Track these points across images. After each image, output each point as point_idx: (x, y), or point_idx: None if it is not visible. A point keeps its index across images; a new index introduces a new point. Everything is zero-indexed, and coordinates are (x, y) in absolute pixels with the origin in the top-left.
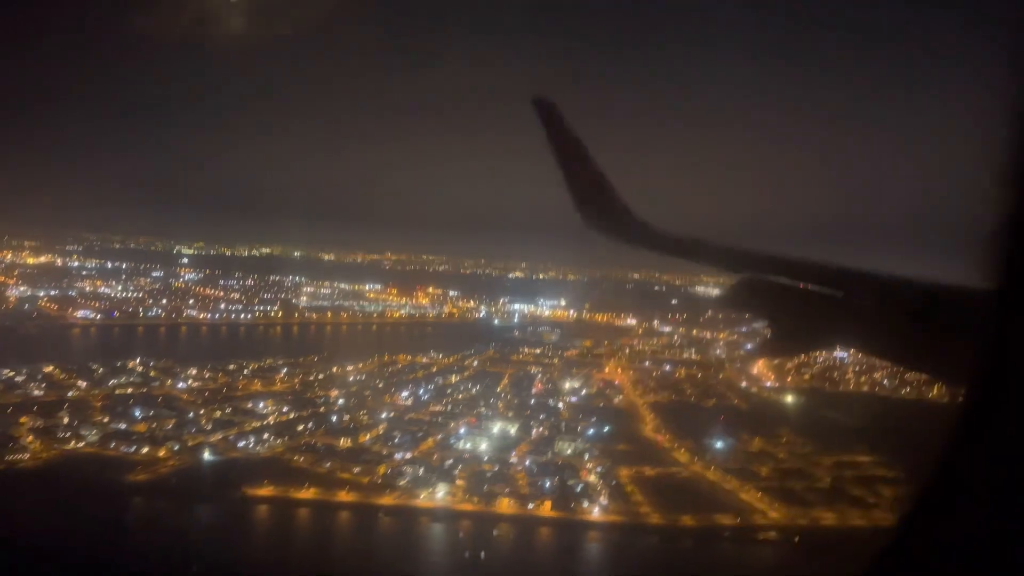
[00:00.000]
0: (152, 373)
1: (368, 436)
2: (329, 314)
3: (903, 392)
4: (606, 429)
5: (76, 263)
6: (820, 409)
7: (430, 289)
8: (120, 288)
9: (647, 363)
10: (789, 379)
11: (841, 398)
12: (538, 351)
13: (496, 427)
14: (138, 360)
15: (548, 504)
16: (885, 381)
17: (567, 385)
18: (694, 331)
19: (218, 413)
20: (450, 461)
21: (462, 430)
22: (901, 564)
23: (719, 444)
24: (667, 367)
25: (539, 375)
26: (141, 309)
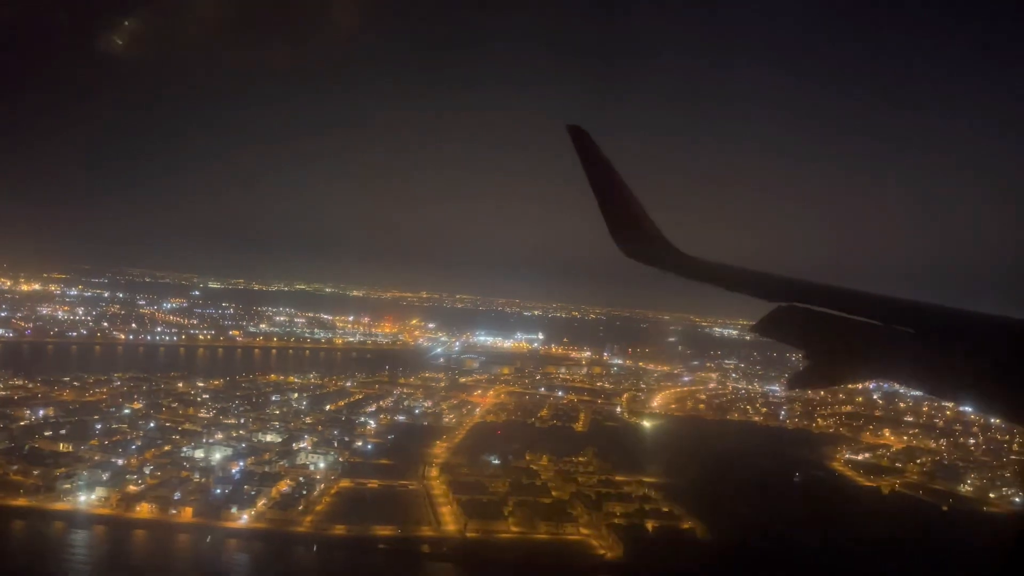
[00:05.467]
0: None
1: (100, 442)
2: (260, 339)
3: (787, 423)
4: (390, 444)
5: (74, 291)
6: (665, 435)
7: (414, 321)
8: (81, 312)
9: (542, 389)
10: (675, 407)
11: (708, 426)
12: (438, 375)
13: (266, 439)
14: None
15: (189, 511)
16: (782, 414)
17: (413, 404)
18: (640, 363)
19: None
20: (150, 468)
21: (212, 440)
22: None
23: (493, 461)
24: (559, 392)
25: (398, 396)
26: (68, 330)
